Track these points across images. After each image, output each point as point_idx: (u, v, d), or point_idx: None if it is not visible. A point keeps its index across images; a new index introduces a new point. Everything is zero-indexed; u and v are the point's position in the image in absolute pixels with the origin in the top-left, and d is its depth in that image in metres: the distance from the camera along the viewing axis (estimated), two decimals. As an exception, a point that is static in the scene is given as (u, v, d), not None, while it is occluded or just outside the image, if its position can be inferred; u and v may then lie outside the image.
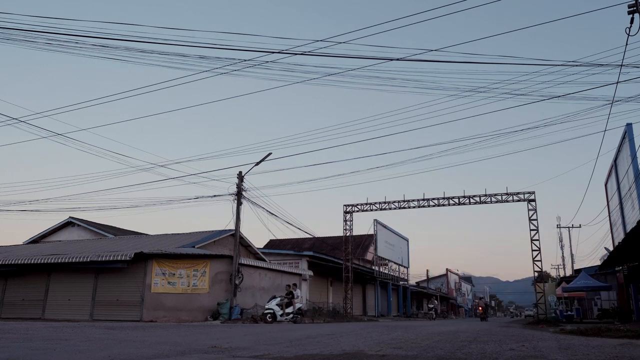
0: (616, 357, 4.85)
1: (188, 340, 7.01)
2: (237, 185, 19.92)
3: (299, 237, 31.57)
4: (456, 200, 26.13)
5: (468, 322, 25.84)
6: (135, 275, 17.84)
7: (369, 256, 40.25)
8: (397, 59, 12.02)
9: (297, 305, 17.94)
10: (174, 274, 17.98)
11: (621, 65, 11.22)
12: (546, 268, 62.11)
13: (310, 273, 26.61)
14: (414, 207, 27.11)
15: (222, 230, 21.70)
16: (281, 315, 17.27)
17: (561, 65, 13.36)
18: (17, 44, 11.48)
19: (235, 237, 19.74)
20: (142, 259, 17.68)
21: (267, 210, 21.18)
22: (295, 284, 18.90)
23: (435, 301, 41.00)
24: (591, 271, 28.12)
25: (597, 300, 31.04)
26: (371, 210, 28.21)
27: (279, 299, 17.71)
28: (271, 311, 17.28)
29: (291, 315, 17.48)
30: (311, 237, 30.29)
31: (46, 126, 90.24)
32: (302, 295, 25.12)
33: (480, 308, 33.46)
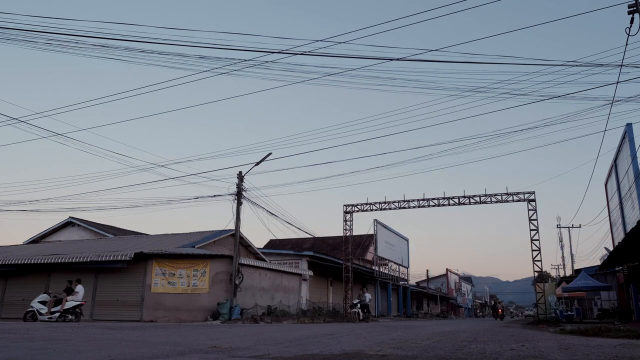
0: (616, 357, 4.84)
1: (188, 340, 7.01)
2: (237, 185, 19.93)
3: (299, 237, 31.58)
4: (456, 200, 26.13)
5: (468, 322, 25.84)
6: (135, 275, 17.84)
7: (369, 256, 40.24)
8: (397, 59, 12.02)
9: (71, 304, 15.31)
10: (174, 274, 17.98)
11: (621, 65, 11.22)
12: (546, 268, 62.12)
13: (310, 273, 26.61)
14: (414, 207, 27.10)
15: (222, 230, 21.70)
16: (43, 314, 15.06)
17: (561, 65, 13.36)
18: (17, 44, 11.48)
19: (235, 237, 19.74)
20: (142, 259, 17.69)
21: (267, 210, 21.20)
22: (79, 280, 16.23)
23: (367, 294, 23.85)
24: (591, 271, 28.12)
25: (597, 300, 31.05)
26: (371, 210, 28.21)
27: (45, 295, 15.56)
28: (32, 309, 15.18)
29: (57, 314, 15.07)
30: (311, 237, 30.29)
31: (46, 126, 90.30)
32: (303, 295, 25.11)
33: (500, 310, 41.79)
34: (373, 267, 36.69)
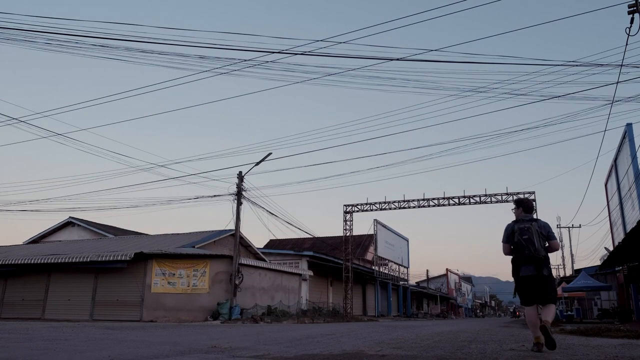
0: (616, 357, 4.84)
1: (188, 340, 7.01)
2: (237, 185, 19.92)
3: (299, 237, 31.60)
4: (456, 200, 26.14)
5: (468, 322, 25.83)
6: (135, 275, 17.84)
7: (369, 256, 40.24)
8: (397, 59, 12.02)
9: None
10: (174, 274, 17.98)
11: (621, 65, 11.22)
12: (546, 268, 61.84)
13: (310, 273, 26.60)
14: (414, 207, 27.15)
15: (222, 230, 21.70)
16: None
17: (561, 65, 13.38)
18: (17, 44, 11.48)
19: (235, 237, 19.74)
20: (142, 259, 17.68)
21: (267, 210, 21.20)
22: None
23: None
24: (591, 271, 28.13)
25: (597, 300, 31.05)
26: (371, 210, 28.22)
27: None
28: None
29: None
30: (311, 237, 30.29)
31: (46, 126, 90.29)
32: (303, 295, 25.12)
33: (517, 312, 51.40)
34: (373, 267, 36.70)
